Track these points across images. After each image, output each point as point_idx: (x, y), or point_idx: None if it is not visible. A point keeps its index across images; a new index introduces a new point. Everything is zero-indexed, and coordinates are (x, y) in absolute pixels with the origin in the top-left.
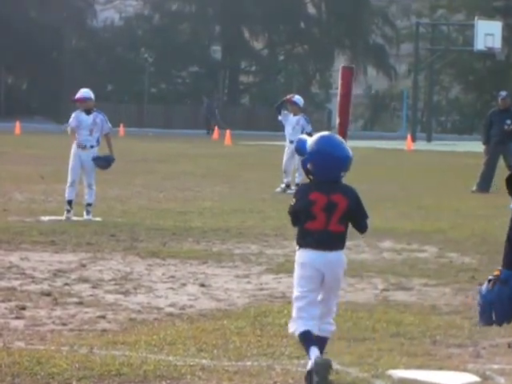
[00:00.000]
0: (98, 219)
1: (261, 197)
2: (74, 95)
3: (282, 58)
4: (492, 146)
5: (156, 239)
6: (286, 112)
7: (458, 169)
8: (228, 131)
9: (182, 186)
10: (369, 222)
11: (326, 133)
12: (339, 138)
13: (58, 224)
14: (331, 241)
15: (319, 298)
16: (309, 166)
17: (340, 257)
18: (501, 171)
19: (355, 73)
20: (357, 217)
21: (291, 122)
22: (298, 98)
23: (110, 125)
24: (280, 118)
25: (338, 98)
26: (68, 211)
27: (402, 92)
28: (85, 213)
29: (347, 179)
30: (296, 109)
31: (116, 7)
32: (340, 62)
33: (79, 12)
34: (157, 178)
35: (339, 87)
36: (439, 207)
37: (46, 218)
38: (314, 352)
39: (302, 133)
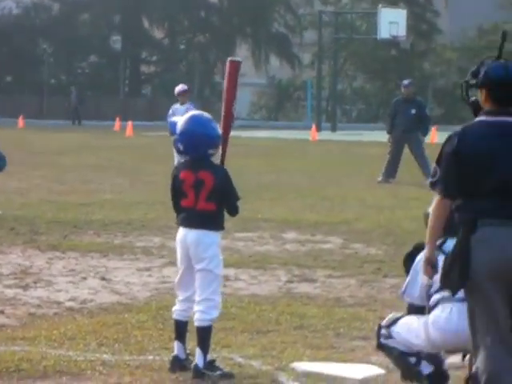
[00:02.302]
0: None
1: (164, 189)
2: None
3: (183, 47)
4: (396, 135)
5: (56, 232)
6: (175, 107)
7: (363, 159)
8: (130, 122)
9: (84, 179)
10: (240, 204)
11: (194, 112)
12: (207, 116)
13: None
14: (198, 219)
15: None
16: (179, 145)
17: (204, 236)
18: (406, 161)
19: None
20: (225, 196)
21: (181, 111)
22: (182, 86)
23: None
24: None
25: (225, 90)
26: None
27: (306, 81)
28: None
29: (251, 169)
30: (184, 97)
31: None
32: (242, 51)
33: None
34: (57, 171)
35: (225, 80)
36: (344, 198)
37: None
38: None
39: None
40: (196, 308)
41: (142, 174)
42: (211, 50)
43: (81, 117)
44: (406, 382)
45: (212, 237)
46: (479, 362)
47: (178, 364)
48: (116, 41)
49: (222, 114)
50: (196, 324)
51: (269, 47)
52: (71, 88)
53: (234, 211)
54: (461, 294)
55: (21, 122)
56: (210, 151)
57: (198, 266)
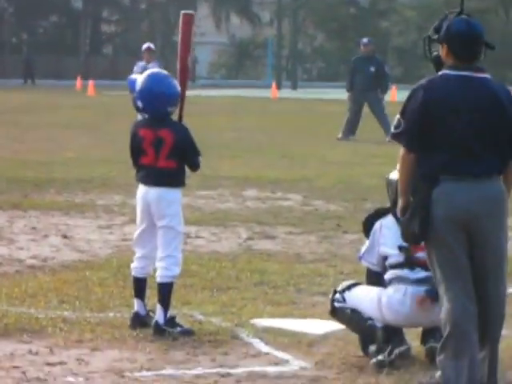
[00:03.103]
0: None
1: (126, 147)
2: None
3: (143, 6)
4: (356, 93)
5: (17, 191)
6: (140, 64)
7: (323, 116)
8: (91, 81)
9: (45, 137)
10: (201, 159)
11: (152, 70)
12: (165, 74)
13: None
14: (159, 177)
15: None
16: (139, 103)
17: (165, 193)
18: (366, 118)
19: (195, 19)
20: (186, 154)
21: (143, 69)
22: (148, 44)
23: None
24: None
25: (179, 44)
26: None
27: (266, 40)
28: None
29: (212, 127)
30: (149, 56)
31: None
32: (203, 10)
33: None
34: (19, 130)
35: (180, 33)
36: (305, 155)
37: None
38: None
39: None
40: (158, 265)
41: (105, 132)
42: (172, 9)
43: (34, 75)
44: (361, 339)
45: (173, 194)
46: (443, 313)
47: (139, 321)
48: (77, 0)
49: (178, 68)
50: (157, 280)
51: (229, 6)
52: (22, 47)
53: (195, 167)
54: (415, 275)
55: None
56: (169, 109)
57: (159, 223)
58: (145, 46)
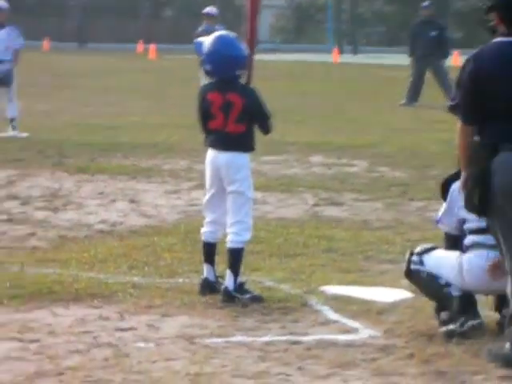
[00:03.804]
0: (24, 135)
1: (188, 111)
2: None
3: None
4: (418, 58)
5: (84, 155)
6: (205, 26)
7: (385, 82)
8: (152, 45)
9: (109, 101)
10: (272, 123)
11: (221, 33)
12: (234, 36)
13: None
14: (228, 141)
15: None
16: (207, 66)
17: (234, 158)
18: (429, 84)
19: None
20: (256, 117)
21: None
22: (210, 9)
23: (22, 40)
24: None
25: (248, 6)
26: None
27: (326, 3)
28: (10, 128)
29: (275, 92)
30: (212, 20)
31: None
32: None
33: None
34: (82, 93)
35: None
36: (369, 121)
37: None
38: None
39: None
40: (228, 230)
41: (167, 96)
42: None
43: (87, 39)
44: (435, 304)
45: (243, 158)
46: (509, 284)
47: (208, 286)
48: None
49: (247, 32)
50: (228, 246)
51: None
52: (74, 10)
53: (266, 130)
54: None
55: (45, 44)
56: (238, 72)
57: (229, 188)
58: (206, 9)
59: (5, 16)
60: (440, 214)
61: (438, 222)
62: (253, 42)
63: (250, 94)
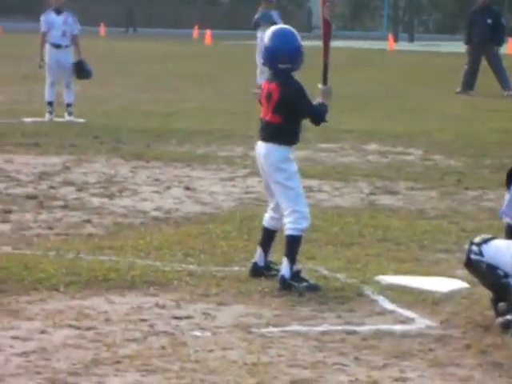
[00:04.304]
0: (80, 120)
1: (244, 98)
2: None
3: None
4: (474, 46)
5: (140, 141)
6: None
7: (441, 69)
8: (208, 31)
9: (165, 87)
10: (320, 116)
11: (275, 27)
12: (283, 30)
13: (41, 126)
14: (266, 131)
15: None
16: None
17: (269, 150)
18: (484, 72)
19: None
20: (296, 110)
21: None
22: None
23: (79, 26)
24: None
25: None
26: (50, 112)
27: None
28: (66, 114)
29: (330, 79)
30: (270, 4)
31: None
32: None
33: None
34: (138, 79)
35: None
36: (424, 109)
37: (29, 120)
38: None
39: None
40: (284, 220)
41: (223, 82)
42: None
43: (135, 24)
44: (492, 294)
45: (279, 151)
46: None
47: (256, 271)
48: None
49: (321, 23)
50: (285, 233)
51: None
52: None
53: (315, 123)
54: None
55: (102, 30)
56: (280, 65)
57: (269, 179)
58: None
59: (62, 1)
60: (504, 204)
61: (502, 213)
62: (327, 33)
63: (289, 87)
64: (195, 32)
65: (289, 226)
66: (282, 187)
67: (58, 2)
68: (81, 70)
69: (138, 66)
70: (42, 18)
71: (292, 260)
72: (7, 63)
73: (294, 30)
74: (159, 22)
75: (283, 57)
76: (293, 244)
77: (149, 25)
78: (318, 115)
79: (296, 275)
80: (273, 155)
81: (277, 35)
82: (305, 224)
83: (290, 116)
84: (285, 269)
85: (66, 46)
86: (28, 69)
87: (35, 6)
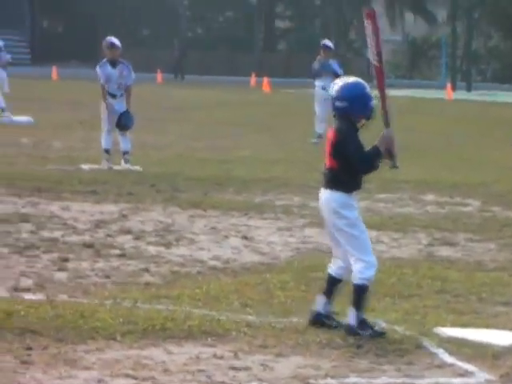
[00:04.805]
0: (136, 167)
1: (302, 146)
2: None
3: (318, 2)
4: None
5: (196, 189)
6: (320, 60)
7: (499, 119)
8: (265, 78)
9: (220, 135)
10: (365, 165)
11: (348, 78)
12: (344, 81)
13: (98, 173)
14: (326, 177)
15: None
16: None
17: (328, 196)
18: None
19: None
20: (342, 154)
21: (326, 67)
22: (328, 42)
23: (133, 75)
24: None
25: (371, 44)
26: (107, 160)
27: (440, 39)
28: (122, 161)
29: (382, 126)
30: (328, 53)
31: None
32: (377, 8)
33: None
34: (193, 126)
35: (370, 33)
36: (481, 159)
37: (86, 167)
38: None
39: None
40: (352, 268)
41: (280, 130)
42: (346, 6)
43: (184, 71)
44: None
45: (337, 197)
46: None
47: (317, 319)
48: None
49: (375, 67)
50: (352, 282)
51: (403, 3)
52: (174, 41)
53: (357, 170)
54: None
55: (159, 76)
56: (333, 112)
57: (330, 226)
58: (325, 42)
59: (118, 53)
60: None
61: None
62: (381, 76)
63: (342, 132)
64: (252, 79)
65: (354, 275)
66: (346, 235)
67: (112, 55)
68: (119, 122)
69: (194, 112)
70: (99, 70)
71: (357, 307)
72: (64, 108)
73: (363, 81)
74: (215, 68)
75: (356, 108)
76: (358, 293)
77: (204, 71)
78: (365, 159)
79: (361, 323)
80: (332, 201)
81: (339, 85)
82: (369, 273)
83: (345, 161)
84: (351, 317)
85: (121, 95)
86: (85, 115)
87: (90, 52)
